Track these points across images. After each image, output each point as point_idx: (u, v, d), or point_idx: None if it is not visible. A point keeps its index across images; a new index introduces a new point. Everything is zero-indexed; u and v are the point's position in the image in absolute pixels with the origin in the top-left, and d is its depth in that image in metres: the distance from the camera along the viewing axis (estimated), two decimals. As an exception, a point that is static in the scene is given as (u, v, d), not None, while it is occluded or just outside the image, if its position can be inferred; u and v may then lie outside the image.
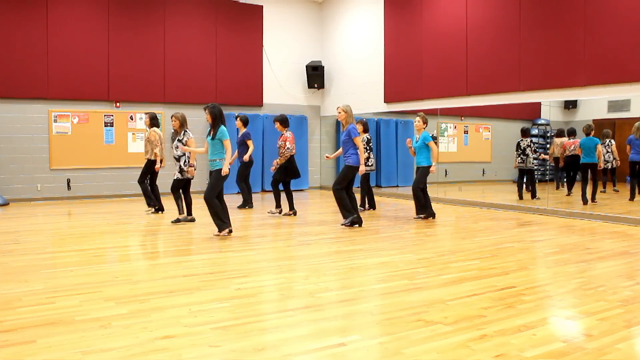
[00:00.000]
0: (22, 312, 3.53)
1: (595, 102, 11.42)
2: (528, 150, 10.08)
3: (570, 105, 12.27)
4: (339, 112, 7.22)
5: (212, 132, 6.38)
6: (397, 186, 12.95)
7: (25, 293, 3.98)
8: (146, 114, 8.65)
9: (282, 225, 7.37)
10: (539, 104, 12.56)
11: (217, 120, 6.35)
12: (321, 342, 3.04)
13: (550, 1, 8.43)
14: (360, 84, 12.23)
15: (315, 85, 12.97)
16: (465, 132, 13.12)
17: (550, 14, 8.43)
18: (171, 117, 7.56)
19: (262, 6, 12.44)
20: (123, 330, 3.19)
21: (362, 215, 7.80)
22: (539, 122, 13.64)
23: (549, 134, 13.27)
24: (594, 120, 11.74)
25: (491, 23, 9.32)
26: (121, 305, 3.70)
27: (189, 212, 7.55)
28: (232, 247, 5.82)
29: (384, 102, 11.59)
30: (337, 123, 13.33)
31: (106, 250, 5.73)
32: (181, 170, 7.40)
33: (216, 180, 6.30)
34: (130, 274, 4.61)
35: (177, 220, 7.39)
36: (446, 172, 12.05)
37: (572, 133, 10.48)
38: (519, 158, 10.15)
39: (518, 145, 10.20)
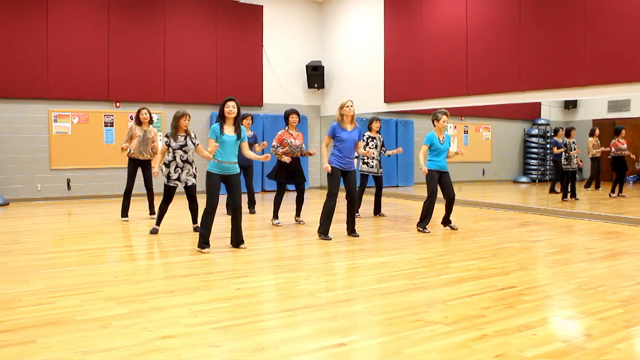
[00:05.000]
0: (22, 312, 3.53)
1: (595, 102, 11.43)
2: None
3: (570, 105, 12.28)
4: (352, 107, 6.31)
5: (237, 132, 5.54)
6: (397, 186, 12.95)
7: (25, 293, 3.98)
8: (144, 109, 7.83)
9: (282, 225, 7.36)
10: (539, 104, 12.57)
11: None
12: (321, 342, 3.04)
13: (550, 1, 8.42)
14: (360, 84, 12.23)
15: (315, 85, 12.96)
16: (465, 132, 13.12)
17: (550, 13, 8.42)
18: (186, 116, 6.57)
19: (262, 6, 12.44)
20: (123, 330, 3.19)
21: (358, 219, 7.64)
22: (539, 122, 13.65)
23: (548, 134, 13.27)
24: (593, 121, 11.76)
25: (491, 23, 9.32)
26: (121, 305, 3.70)
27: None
28: (232, 247, 5.81)
29: (384, 102, 11.59)
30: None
31: (106, 250, 5.73)
32: (194, 175, 6.81)
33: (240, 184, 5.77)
34: (130, 274, 4.61)
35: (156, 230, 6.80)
36: (446, 172, 12.03)
37: (618, 132, 10.32)
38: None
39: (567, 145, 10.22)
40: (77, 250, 5.66)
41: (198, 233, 5.80)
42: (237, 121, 5.55)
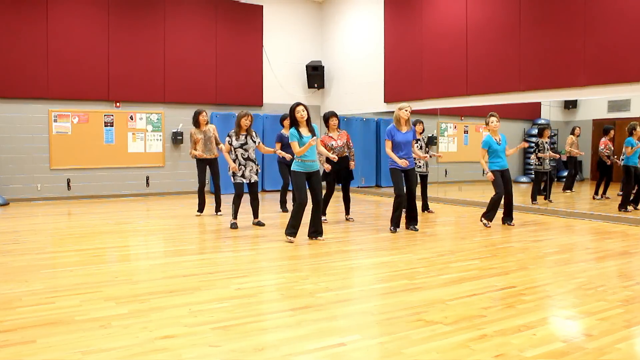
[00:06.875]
0: (22, 312, 3.53)
1: (595, 102, 11.43)
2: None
3: (570, 105, 12.28)
4: (408, 111, 6.65)
5: (311, 132, 6.10)
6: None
7: (25, 293, 3.98)
8: (203, 111, 8.25)
9: (283, 225, 7.36)
10: (539, 104, 12.57)
11: None
12: (321, 342, 3.04)
13: (550, 1, 8.42)
14: (360, 84, 12.23)
15: (315, 85, 12.96)
16: (465, 132, 13.12)
17: (550, 13, 8.42)
18: (248, 116, 6.97)
19: (262, 6, 12.44)
20: (123, 330, 3.19)
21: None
22: (539, 122, 13.65)
23: (552, 134, 13.26)
24: (593, 120, 11.75)
25: (491, 23, 9.32)
26: (121, 305, 3.70)
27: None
28: (232, 247, 5.82)
29: (384, 102, 11.59)
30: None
31: (106, 250, 5.73)
32: (257, 172, 7.19)
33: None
34: (130, 274, 4.61)
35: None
36: (446, 172, 12.05)
37: (607, 131, 10.11)
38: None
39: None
40: (76, 250, 5.66)
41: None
42: (310, 122, 6.12)
